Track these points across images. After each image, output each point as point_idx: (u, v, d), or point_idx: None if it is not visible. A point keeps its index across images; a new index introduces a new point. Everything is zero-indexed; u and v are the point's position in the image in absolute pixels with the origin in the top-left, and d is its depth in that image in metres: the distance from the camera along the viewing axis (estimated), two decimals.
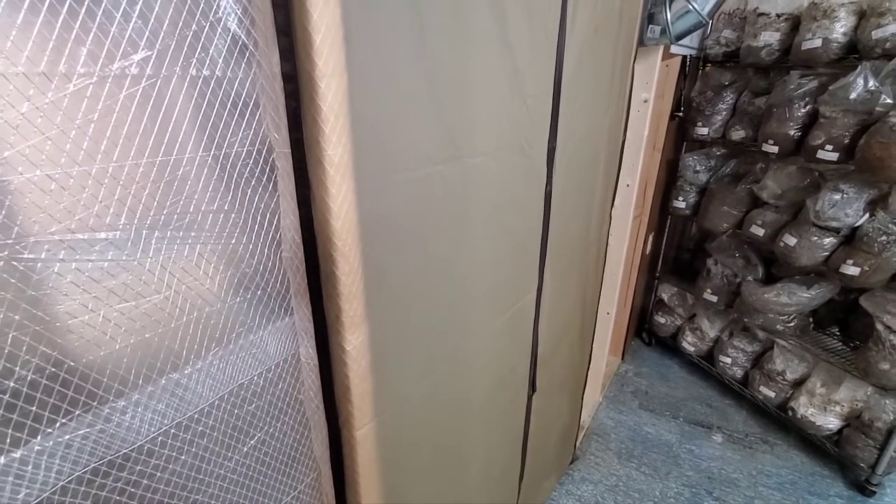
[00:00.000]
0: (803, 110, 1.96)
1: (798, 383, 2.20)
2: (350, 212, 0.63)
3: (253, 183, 0.60)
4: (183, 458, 0.58)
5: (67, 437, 0.48)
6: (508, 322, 1.15)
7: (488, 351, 1.10)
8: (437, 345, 0.91)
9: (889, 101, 1.67)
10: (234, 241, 0.59)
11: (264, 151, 0.60)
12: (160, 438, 0.55)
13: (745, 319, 2.37)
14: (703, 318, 2.67)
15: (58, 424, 0.47)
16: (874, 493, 1.95)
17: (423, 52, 0.68)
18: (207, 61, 0.51)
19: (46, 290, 0.44)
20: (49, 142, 0.43)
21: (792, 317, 2.19)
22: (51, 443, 0.47)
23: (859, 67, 1.72)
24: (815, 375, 2.13)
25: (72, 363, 0.47)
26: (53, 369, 0.46)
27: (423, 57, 0.68)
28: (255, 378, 0.67)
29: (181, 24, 0.48)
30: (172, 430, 0.56)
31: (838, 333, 2.28)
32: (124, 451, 0.52)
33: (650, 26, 1.60)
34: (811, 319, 2.28)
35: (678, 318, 2.84)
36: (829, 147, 1.84)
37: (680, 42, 1.77)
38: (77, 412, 0.48)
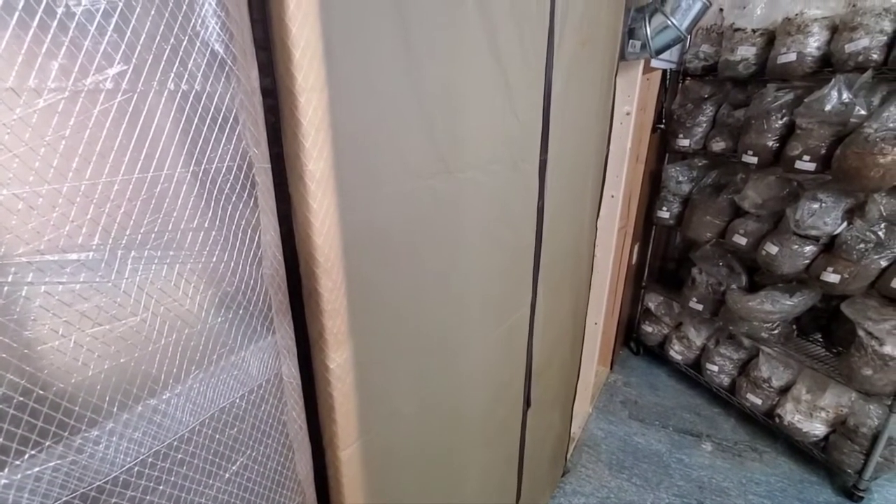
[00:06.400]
0: (780, 122, 2.00)
1: (784, 390, 2.22)
2: (332, 227, 0.62)
3: (233, 199, 0.59)
4: (161, 488, 0.55)
5: (37, 469, 0.45)
6: (503, 337, 1.14)
7: (483, 367, 1.08)
8: (428, 361, 0.89)
9: (863, 112, 1.71)
10: (214, 259, 0.58)
11: (244, 167, 0.59)
12: (137, 468, 0.52)
13: (731, 327, 2.39)
14: (690, 327, 2.69)
15: (26, 456, 0.45)
16: (862, 497, 1.97)
17: (410, 67, 0.67)
18: (185, 76, 0.50)
19: (14, 315, 0.42)
20: (17, 159, 0.41)
21: (776, 324, 2.22)
22: (19, 476, 0.45)
23: (833, 80, 1.76)
24: (800, 382, 2.15)
25: (41, 391, 0.44)
26: (21, 398, 0.43)
27: (410, 72, 0.67)
28: (237, 400, 0.65)
29: (158, 37, 0.47)
30: (150, 460, 0.54)
31: (821, 340, 2.31)
32: (98, 483, 0.49)
33: (631, 41, 1.63)
34: (795, 326, 2.31)
35: (665, 327, 2.86)
36: (806, 157, 1.88)
37: (660, 56, 1.81)
38: (47, 443, 0.45)
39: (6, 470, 0.44)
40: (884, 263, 1.76)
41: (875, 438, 1.86)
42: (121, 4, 0.44)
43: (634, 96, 1.98)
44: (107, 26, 0.44)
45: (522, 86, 0.95)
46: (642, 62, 1.92)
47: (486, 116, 0.87)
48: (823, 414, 2.04)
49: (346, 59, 0.57)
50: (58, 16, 0.41)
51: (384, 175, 0.69)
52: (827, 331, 2.31)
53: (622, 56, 1.62)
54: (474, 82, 0.82)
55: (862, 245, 1.79)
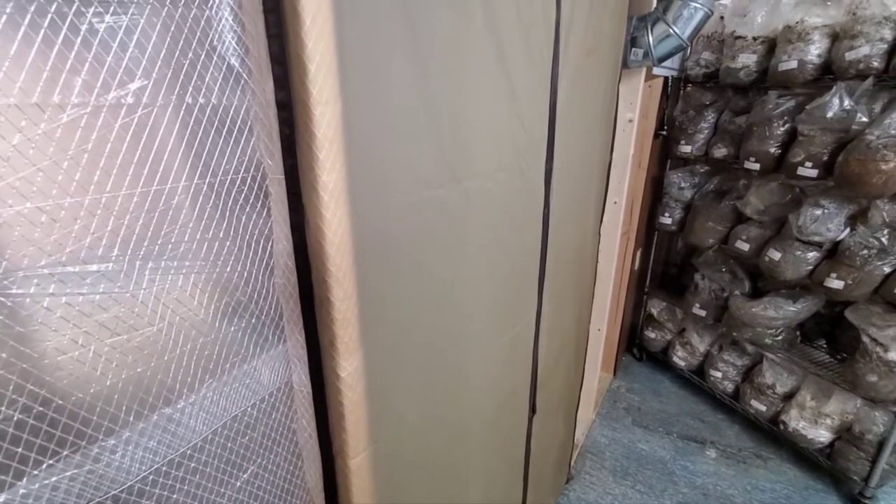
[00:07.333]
0: (782, 129, 2.01)
1: (788, 396, 2.21)
2: (344, 237, 0.62)
3: (247, 209, 0.59)
4: (175, 496, 0.56)
5: (54, 479, 0.46)
6: (508, 344, 1.14)
7: (489, 374, 1.09)
8: (435, 369, 0.90)
9: (864, 119, 1.72)
10: (228, 268, 0.58)
11: (258, 178, 0.60)
12: (151, 477, 0.53)
13: (734, 333, 2.39)
14: (693, 333, 2.68)
15: (44, 466, 0.45)
16: None
17: (419, 79, 0.68)
18: (203, 89, 0.51)
19: (35, 326, 0.43)
20: (40, 173, 0.42)
21: (779, 330, 2.22)
22: (36, 486, 0.45)
23: (834, 88, 1.77)
24: (804, 388, 2.14)
25: (60, 401, 0.45)
26: (41, 408, 0.44)
27: (419, 84, 0.68)
28: (249, 409, 0.65)
29: (177, 52, 0.48)
30: (164, 468, 0.54)
31: (825, 346, 2.30)
32: (113, 492, 0.50)
33: (633, 49, 1.64)
34: (798, 333, 2.31)
35: (668, 333, 2.86)
36: (808, 164, 1.89)
37: (662, 64, 1.82)
38: (65, 453, 0.46)
39: (24, 480, 0.45)
40: (887, 269, 1.77)
41: (881, 445, 1.86)
42: (142, 21, 0.45)
43: (637, 103, 1.99)
44: (128, 42, 0.45)
45: (529, 95, 0.96)
46: (644, 70, 1.93)
47: (493, 126, 0.88)
48: (828, 420, 2.03)
49: (359, 73, 0.58)
50: (82, 33, 0.42)
51: (394, 185, 0.70)
52: (831, 337, 2.31)
53: (625, 64, 1.63)
54: (482, 93, 0.83)
55: (865, 251, 1.79)
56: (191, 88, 0.50)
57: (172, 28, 0.47)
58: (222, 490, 0.63)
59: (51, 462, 0.46)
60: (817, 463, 2.13)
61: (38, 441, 0.44)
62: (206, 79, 0.51)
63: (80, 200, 0.44)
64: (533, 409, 1.38)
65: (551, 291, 1.29)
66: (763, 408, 2.27)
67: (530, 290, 1.20)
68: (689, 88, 2.53)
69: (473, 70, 0.79)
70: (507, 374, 1.19)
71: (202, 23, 0.49)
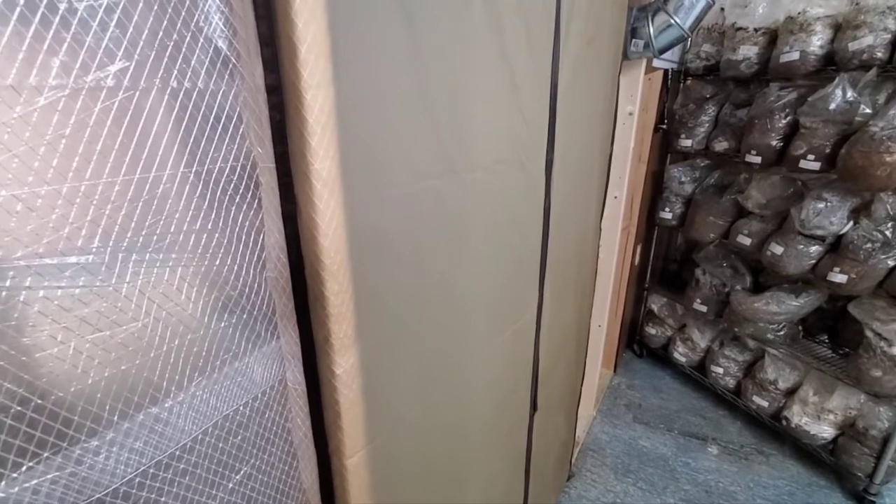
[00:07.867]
0: (784, 121, 1.99)
1: (790, 392, 2.20)
2: (339, 228, 0.60)
3: (237, 200, 0.57)
4: (163, 499, 0.54)
5: (34, 482, 0.44)
6: (509, 341, 1.12)
7: (489, 371, 1.07)
8: (434, 366, 0.88)
9: (868, 110, 1.70)
10: (217, 262, 0.56)
11: (248, 167, 0.57)
12: (138, 480, 0.51)
13: (736, 329, 2.37)
14: (694, 329, 2.67)
15: (24, 469, 0.43)
16: (873, 502, 1.94)
17: (416, 65, 0.66)
18: (189, 73, 0.49)
19: (12, 321, 0.41)
20: (16, 159, 0.39)
21: (781, 325, 2.20)
22: (16, 489, 0.43)
23: (837, 79, 1.75)
24: (807, 384, 2.13)
25: (39, 401, 0.43)
26: (19, 408, 0.42)
27: (416, 70, 0.66)
28: (241, 408, 0.63)
29: (161, 33, 0.45)
30: (151, 470, 0.52)
31: (828, 341, 2.29)
32: (98, 495, 0.48)
33: (633, 40, 1.62)
34: (800, 328, 2.29)
35: (669, 329, 2.84)
36: (810, 157, 1.87)
37: (662, 56, 1.80)
38: (45, 454, 0.44)
39: (3, 483, 0.42)
40: (891, 263, 1.75)
41: (886, 441, 1.84)
42: (123, 0, 0.43)
43: (637, 96, 1.97)
44: (109, 22, 0.42)
45: (529, 84, 0.94)
46: (644, 62, 1.91)
47: (492, 116, 0.85)
48: (831, 416, 2.02)
49: (353, 57, 0.56)
50: (60, 11, 0.40)
51: (390, 175, 0.67)
52: (833, 332, 2.29)
53: (625, 55, 1.61)
54: (481, 81, 0.80)
55: (869, 245, 1.77)
56: (175, 72, 0.48)
57: (156, 7, 0.45)
58: (214, 492, 0.61)
59: (31, 464, 0.43)
60: (820, 459, 2.11)
61: (16, 442, 0.42)
62: (192, 62, 0.49)
63: (57, 188, 0.42)
64: (534, 407, 1.36)
65: (552, 287, 1.27)
66: (765, 404, 2.26)
67: (531, 285, 1.18)
68: (689, 81, 2.51)
69: (472, 57, 0.77)
70: (507, 372, 1.16)
71: (187, 2, 0.47)
